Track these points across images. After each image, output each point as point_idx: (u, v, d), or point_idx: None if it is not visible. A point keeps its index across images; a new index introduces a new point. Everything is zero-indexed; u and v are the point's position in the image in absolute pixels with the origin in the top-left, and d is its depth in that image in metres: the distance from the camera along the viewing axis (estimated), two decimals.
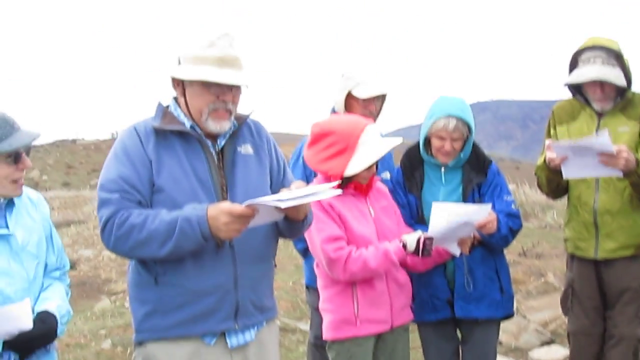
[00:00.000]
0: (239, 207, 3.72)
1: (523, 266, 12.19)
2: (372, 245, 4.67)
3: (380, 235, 4.80)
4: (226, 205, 3.77)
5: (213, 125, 4.02)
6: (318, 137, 4.73)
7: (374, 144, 4.67)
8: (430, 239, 4.69)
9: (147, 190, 3.93)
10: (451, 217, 4.70)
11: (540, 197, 16.84)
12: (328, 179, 4.65)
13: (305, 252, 5.59)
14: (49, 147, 66.30)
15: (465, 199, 5.18)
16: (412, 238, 4.68)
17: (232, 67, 3.97)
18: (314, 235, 4.63)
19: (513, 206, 5.24)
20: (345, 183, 4.70)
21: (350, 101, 5.63)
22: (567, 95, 5.73)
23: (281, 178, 4.35)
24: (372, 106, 5.60)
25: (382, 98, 5.73)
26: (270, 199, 3.68)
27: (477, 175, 5.24)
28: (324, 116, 5.35)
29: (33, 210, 4.12)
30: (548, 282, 10.70)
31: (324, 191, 3.85)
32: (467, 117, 5.11)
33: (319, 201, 4.60)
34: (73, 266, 14.67)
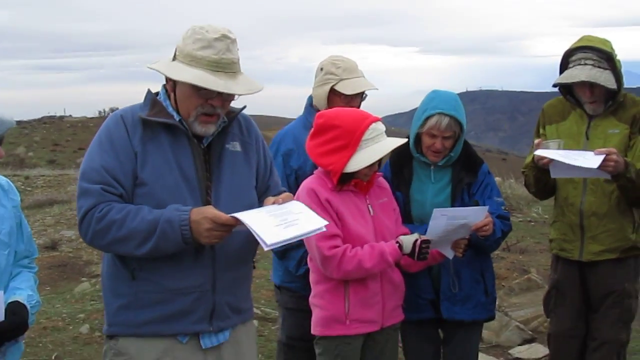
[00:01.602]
0: (223, 216, 3.67)
1: (506, 262, 12.13)
2: (368, 245, 4.60)
3: (378, 234, 4.72)
4: (210, 211, 3.71)
5: (199, 128, 3.94)
6: (322, 129, 4.64)
7: (378, 142, 4.59)
8: (427, 241, 4.63)
9: (129, 183, 3.85)
10: (450, 220, 4.65)
11: (525, 191, 16.83)
12: (328, 172, 4.62)
13: (283, 254, 5.44)
14: (36, 123, 65.93)
15: (455, 198, 5.10)
16: (409, 240, 4.63)
17: (227, 72, 3.87)
18: None
19: (503, 208, 5.19)
20: (346, 179, 4.64)
21: (332, 96, 5.49)
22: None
23: (267, 178, 4.30)
24: (354, 102, 5.47)
25: (362, 92, 5.59)
26: (256, 227, 3.58)
27: (467, 174, 5.16)
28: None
29: (4, 197, 4.04)
30: (531, 278, 10.63)
31: (314, 228, 3.77)
32: (460, 115, 5.02)
33: (316, 196, 4.57)
34: (54, 247, 14.58)
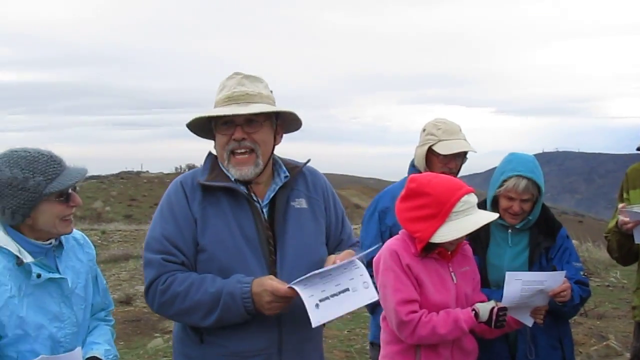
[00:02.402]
0: (282, 289, 3.68)
1: (584, 327, 11.88)
2: (443, 311, 4.47)
3: (459, 302, 4.59)
4: (269, 284, 3.72)
5: (234, 171, 3.95)
6: (412, 194, 4.51)
7: (468, 215, 4.43)
8: (504, 309, 4.50)
9: (190, 250, 3.87)
10: (525, 285, 4.51)
11: (604, 254, 16.48)
12: (413, 238, 4.49)
13: (373, 309, 5.49)
14: (113, 178, 67.20)
15: (533, 263, 4.99)
16: (485, 307, 4.49)
17: (239, 103, 3.90)
18: (388, 294, 4.42)
19: (582, 273, 5.05)
20: (431, 247, 4.48)
21: (430, 156, 5.60)
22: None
23: (339, 232, 4.28)
24: (452, 163, 5.56)
25: (462, 154, 5.68)
26: (309, 300, 3.63)
27: (545, 238, 5.04)
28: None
29: (80, 251, 4.05)
30: (610, 345, 10.39)
31: (363, 302, 3.86)
32: (538, 177, 4.94)
33: (398, 259, 4.46)
34: (128, 302, 14.69)
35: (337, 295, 3.72)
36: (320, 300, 3.64)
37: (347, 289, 3.77)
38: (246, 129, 3.91)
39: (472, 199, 4.48)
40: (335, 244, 4.24)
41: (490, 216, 4.54)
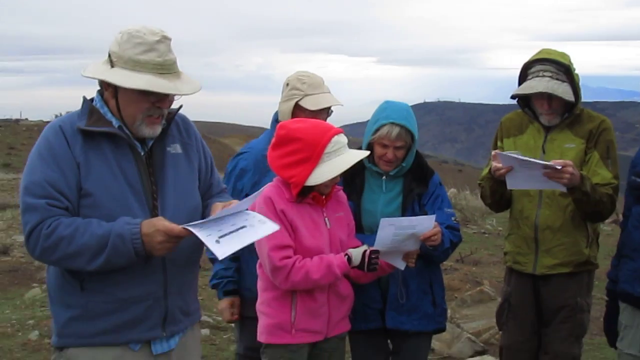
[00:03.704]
0: (175, 229, 3.65)
1: (459, 273, 12.19)
2: (317, 257, 4.57)
3: (333, 247, 4.70)
4: (162, 224, 3.68)
5: (146, 130, 3.90)
6: (283, 141, 4.58)
7: (340, 155, 4.55)
8: (377, 252, 4.59)
9: (74, 195, 3.77)
10: (398, 230, 4.60)
11: (480, 203, 16.93)
12: (288, 184, 4.57)
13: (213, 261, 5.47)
14: None
15: (405, 208, 5.09)
16: (357, 252, 4.59)
17: (172, 74, 3.84)
18: (262, 240, 4.43)
19: (453, 219, 5.15)
20: (305, 191, 4.59)
21: (297, 112, 5.45)
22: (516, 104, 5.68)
23: (209, 176, 4.28)
24: (319, 117, 5.38)
25: (328, 108, 5.56)
26: (207, 239, 3.58)
27: (418, 185, 5.14)
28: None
29: None
30: (484, 290, 10.69)
31: (266, 232, 3.84)
32: (412, 125, 5.01)
33: (272, 205, 4.53)
34: (5, 252, 14.41)
35: (236, 232, 3.70)
36: (220, 237, 3.61)
37: (244, 226, 3.76)
38: (170, 98, 3.91)
39: (342, 139, 4.57)
40: (205, 188, 4.24)
41: (361, 154, 4.62)
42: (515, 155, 5.04)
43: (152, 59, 3.79)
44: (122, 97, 3.85)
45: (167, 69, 3.82)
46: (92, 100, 3.99)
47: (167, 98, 3.88)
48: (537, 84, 5.30)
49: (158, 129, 3.93)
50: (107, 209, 3.76)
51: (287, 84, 5.57)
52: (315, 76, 5.56)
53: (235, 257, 5.29)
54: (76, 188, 3.77)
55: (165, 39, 3.83)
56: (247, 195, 4.86)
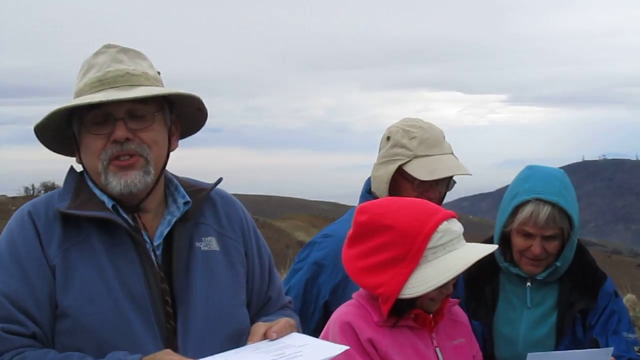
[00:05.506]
0: None
1: None
2: None
3: None
4: (170, 359, 2.78)
5: (116, 182, 2.99)
6: (365, 232, 3.36)
7: (453, 251, 3.29)
8: None
9: (46, 315, 2.91)
10: None
11: None
12: (375, 297, 3.34)
13: None
14: None
15: (563, 333, 3.91)
16: None
17: (117, 87, 2.99)
18: None
19: (636, 349, 3.89)
20: (402, 309, 3.30)
21: (400, 181, 4.12)
22: None
23: (266, 287, 3.34)
24: (433, 191, 4.11)
25: (449, 178, 4.21)
26: None
27: (582, 296, 3.95)
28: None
29: None
30: None
31: (328, 356, 2.81)
32: (569, 203, 3.84)
33: (354, 334, 3.31)
34: None
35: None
36: None
37: (298, 353, 2.82)
38: (131, 125, 3.00)
39: (455, 226, 3.31)
40: (260, 304, 3.32)
41: (486, 249, 3.37)
42: None
43: (89, 77, 3.04)
44: (82, 151, 3.06)
45: (108, 82, 2.99)
46: (82, 173, 3.16)
47: (121, 123, 2.97)
48: None
49: (133, 177, 3.00)
50: (96, 334, 2.88)
51: (388, 138, 4.21)
52: (433, 128, 4.22)
53: None
54: (49, 305, 2.92)
55: (107, 48, 3.09)
56: (326, 305, 3.87)
